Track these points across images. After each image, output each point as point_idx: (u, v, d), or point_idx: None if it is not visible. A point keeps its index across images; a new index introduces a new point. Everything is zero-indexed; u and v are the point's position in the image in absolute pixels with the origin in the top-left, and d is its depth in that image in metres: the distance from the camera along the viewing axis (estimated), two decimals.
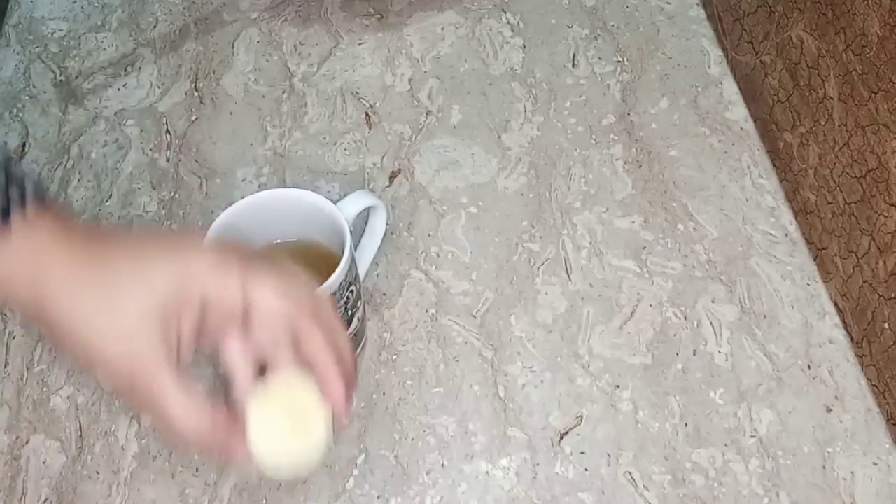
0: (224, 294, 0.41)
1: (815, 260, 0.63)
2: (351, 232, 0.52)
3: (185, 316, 0.40)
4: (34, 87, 0.75)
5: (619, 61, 0.74)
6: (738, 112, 0.71)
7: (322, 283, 0.49)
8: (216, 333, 0.42)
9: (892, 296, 0.56)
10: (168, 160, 0.70)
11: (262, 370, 0.42)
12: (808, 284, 0.62)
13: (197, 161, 0.69)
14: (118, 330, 0.39)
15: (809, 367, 0.58)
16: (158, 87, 0.74)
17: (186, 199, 0.67)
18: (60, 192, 0.68)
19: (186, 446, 0.39)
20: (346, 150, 0.70)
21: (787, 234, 0.64)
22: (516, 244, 0.64)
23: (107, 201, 0.67)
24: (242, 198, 0.53)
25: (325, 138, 0.70)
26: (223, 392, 0.41)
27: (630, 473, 0.55)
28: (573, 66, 0.74)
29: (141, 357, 0.39)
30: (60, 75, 0.75)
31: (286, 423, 0.41)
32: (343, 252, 0.51)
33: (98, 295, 0.40)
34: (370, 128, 0.71)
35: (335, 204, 0.53)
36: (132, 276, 0.40)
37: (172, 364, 0.40)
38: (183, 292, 0.40)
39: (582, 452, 0.56)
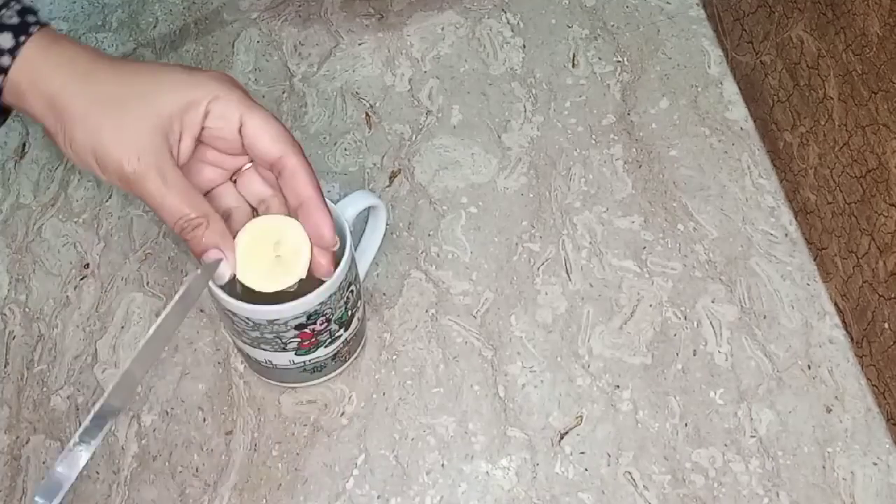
0: (226, 113, 0.45)
1: (815, 260, 0.63)
2: (351, 232, 0.52)
3: (187, 124, 0.45)
4: None
5: (619, 61, 0.74)
6: (738, 112, 0.71)
7: (322, 284, 0.49)
8: (214, 165, 0.48)
9: (892, 296, 0.56)
10: None
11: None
12: (808, 284, 0.62)
13: None
14: (126, 138, 0.43)
15: (809, 367, 0.58)
16: None
17: None
18: (60, 192, 0.68)
19: (174, 229, 0.45)
20: (346, 150, 0.70)
21: (787, 234, 0.64)
22: (516, 244, 0.64)
23: (107, 201, 0.67)
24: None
25: (325, 138, 0.70)
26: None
27: (630, 473, 0.55)
28: (573, 66, 0.74)
29: (142, 158, 0.43)
30: None
31: (270, 252, 0.46)
32: (343, 252, 0.51)
33: (110, 106, 0.43)
34: (370, 128, 0.71)
35: (335, 204, 0.53)
36: (144, 89, 0.44)
37: (169, 163, 0.44)
38: (189, 103, 0.44)
39: (582, 452, 0.56)
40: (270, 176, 0.48)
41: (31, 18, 0.44)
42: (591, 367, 0.59)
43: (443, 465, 0.55)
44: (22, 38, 0.44)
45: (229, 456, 0.56)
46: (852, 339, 0.60)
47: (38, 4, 0.80)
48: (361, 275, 0.60)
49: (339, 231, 0.53)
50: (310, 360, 0.54)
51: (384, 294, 0.62)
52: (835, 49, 0.60)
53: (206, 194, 0.48)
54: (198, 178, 0.47)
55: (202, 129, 0.45)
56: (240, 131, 0.46)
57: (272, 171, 0.47)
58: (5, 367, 0.60)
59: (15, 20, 0.44)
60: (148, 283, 0.63)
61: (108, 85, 0.44)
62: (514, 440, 0.56)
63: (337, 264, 0.50)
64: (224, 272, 0.46)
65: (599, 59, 0.75)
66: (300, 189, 0.46)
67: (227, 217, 0.48)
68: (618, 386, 0.58)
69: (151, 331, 0.42)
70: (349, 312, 0.54)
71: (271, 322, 0.50)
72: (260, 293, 0.55)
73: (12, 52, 0.44)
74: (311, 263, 0.47)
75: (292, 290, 0.47)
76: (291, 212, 0.47)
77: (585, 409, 0.57)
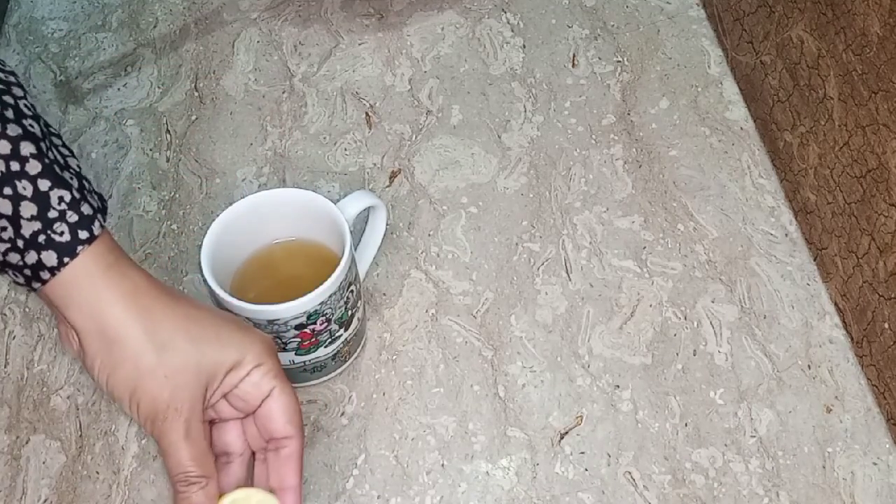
0: (261, 382, 0.46)
1: (815, 260, 0.63)
2: (351, 232, 0.52)
3: (227, 383, 0.45)
4: (34, 87, 0.75)
5: (619, 61, 0.74)
6: (738, 112, 0.71)
7: (322, 283, 0.49)
8: (222, 410, 0.48)
9: (892, 296, 0.56)
10: (168, 160, 0.70)
11: None
12: (808, 284, 0.62)
13: (197, 161, 0.69)
14: (171, 386, 0.43)
15: (809, 367, 0.58)
16: (158, 87, 0.74)
17: (186, 199, 0.67)
18: None
19: (171, 477, 0.45)
20: (346, 150, 0.70)
21: (787, 234, 0.64)
22: (516, 244, 0.64)
23: (107, 201, 0.67)
24: (242, 198, 0.53)
25: (325, 138, 0.70)
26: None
27: (630, 473, 0.55)
28: (573, 66, 0.74)
29: (175, 399, 0.43)
30: (60, 75, 0.75)
31: None
32: (343, 252, 0.51)
33: (165, 351, 0.44)
34: (370, 128, 0.71)
35: (335, 204, 0.53)
36: (201, 336, 0.45)
37: (198, 416, 0.44)
38: (236, 363, 0.45)
39: (582, 452, 0.56)
40: (253, 432, 0.49)
41: (82, 234, 0.43)
42: (591, 367, 0.59)
43: (443, 465, 0.55)
44: (78, 249, 0.43)
45: None
46: (852, 339, 0.60)
47: (38, 4, 0.81)
48: (361, 275, 0.60)
49: (339, 231, 0.53)
50: (310, 360, 0.54)
51: (384, 294, 0.62)
52: (835, 49, 0.60)
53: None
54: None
55: (233, 388, 0.46)
56: (262, 400, 0.47)
57: (268, 443, 0.48)
58: (5, 367, 0.60)
59: (66, 235, 0.43)
60: None
61: (165, 325, 0.44)
62: (514, 440, 0.56)
63: (337, 264, 0.50)
64: None
65: (599, 59, 0.75)
66: (288, 476, 0.47)
67: (224, 462, 0.49)
68: (618, 386, 0.58)
69: None
70: (349, 312, 0.54)
71: (271, 322, 0.50)
72: (259, 293, 0.55)
73: (58, 266, 0.43)
74: None
75: None
76: (270, 488, 0.48)
77: (585, 409, 0.57)
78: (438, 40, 0.76)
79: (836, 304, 0.61)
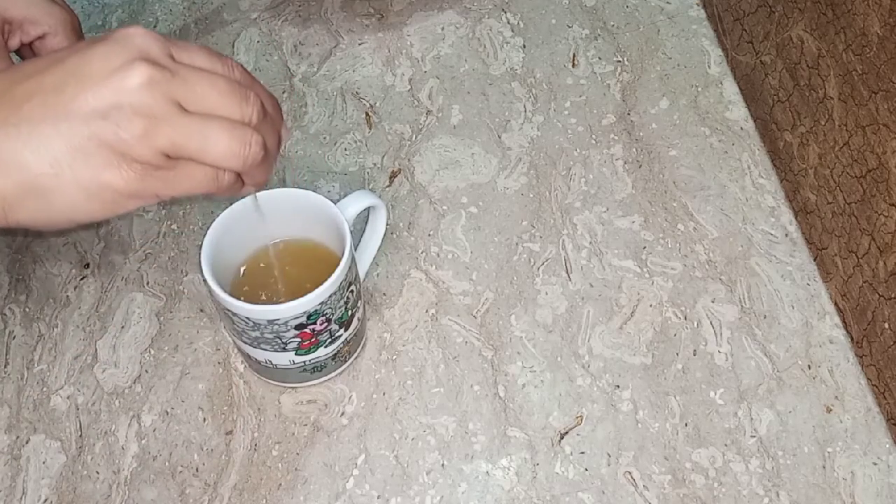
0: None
1: (815, 260, 0.63)
2: (351, 232, 0.52)
3: (24, 32, 0.52)
4: None
5: (619, 61, 0.74)
6: (738, 112, 0.71)
7: (322, 283, 0.49)
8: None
9: (892, 296, 0.56)
10: None
11: None
12: (808, 284, 0.62)
13: None
14: None
15: (809, 367, 0.58)
16: None
17: (186, 198, 0.67)
18: None
19: None
20: (346, 150, 0.70)
21: (787, 234, 0.64)
22: (516, 244, 0.64)
23: None
24: (243, 198, 0.53)
25: (325, 138, 0.70)
26: None
27: (630, 473, 0.55)
28: (573, 66, 0.74)
29: None
30: None
31: None
32: (343, 252, 0.51)
33: None
34: (370, 128, 0.71)
35: (335, 204, 0.53)
36: None
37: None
38: (32, 20, 0.51)
39: (582, 452, 0.56)
40: None
41: None
42: (591, 367, 0.59)
43: (443, 465, 0.55)
44: None
45: (229, 456, 0.56)
46: (852, 339, 0.60)
47: None
48: (361, 275, 0.60)
49: (339, 231, 0.53)
50: (310, 360, 0.54)
51: (384, 294, 0.62)
52: (835, 49, 0.60)
53: None
54: None
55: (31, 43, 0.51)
56: None
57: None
58: (5, 367, 0.60)
59: None
60: (148, 283, 0.63)
61: None
62: (514, 440, 0.56)
63: (337, 264, 0.50)
64: None
65: (599, 59, 0.75)
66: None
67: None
68: (618, 386, 0.58)
69: None
70: (349, 312, 0.54)
71: (271, 322, 0.50)
72: (259, 293, 0.56)
73: None
74: None
75: None
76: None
77: (585, 409, 0.57)
78: (438, 40, 0.76)
79: (836, 304, 0.61)
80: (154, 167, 0.38)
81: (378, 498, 0.54)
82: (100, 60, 0.37)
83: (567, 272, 0.63)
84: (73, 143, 0.37)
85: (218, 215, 0.52)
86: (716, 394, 0.58)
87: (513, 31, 0.77)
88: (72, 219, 0.39)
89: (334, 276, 0.50)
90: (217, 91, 0.39)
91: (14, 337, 0.61)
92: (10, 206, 0.38)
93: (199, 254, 0.51)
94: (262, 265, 0.55)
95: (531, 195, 0.67)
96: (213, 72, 0.41)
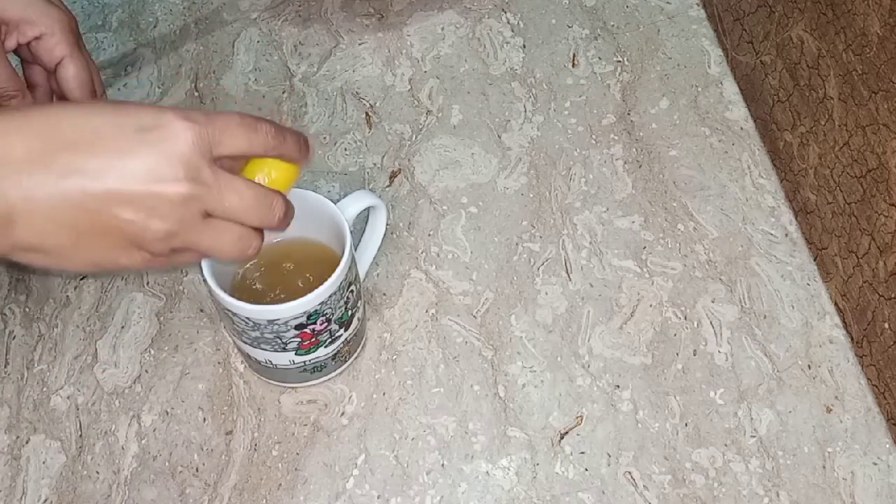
0: (51, 50, 0.55)
1: (815, 260, 0.63)
2: (351, 232, 0.52)
3: (21, 33, 0.55)
4: None
5: (619, 61, 0.74)
6: (738, 112, 0.71)
7: (322, 283, 0.49)
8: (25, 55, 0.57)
9: (892, 296, 0.56)
10: None
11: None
12: (808, 284, 0.62)
13: None
14: None
15: (809, 367, 0.58)
16: (158, 87, 0.74)
17: None
18: None
19: None
20: (346, 150, 0.70)
21: (787, 234, 0.64)
22: (516, 244, 0.64)
23: None
24: None
25: (325, 138, 0.70)
26: None
27: (630, 473, 0.55)
28: (573, 66, 0.74)
29: None
30: None
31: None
32: (343, 252, 0.51)
33: None
34: (370, 128, 0.71)
35: (335, 204, 0.53)
36: None
37: None
38: (28, 21, 0.54)
39: (582, 452, 0.56)
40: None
41: None
42: (591, 367, 0.59)
43: (443, 465, 0.55)
44: None
45: (229, 456, 0.56)
46: (852, 339, 0.60)
47: None
48: (361, 275, 0.60)
49: (339, 231, 0.53)
50: (310, 360, 0.54)
51: (384, 294, 0.62)
52: (835, 49, 0.60)
53: None
54: None
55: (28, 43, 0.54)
56: (55, 65, 0.55)
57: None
58: (5, 367, 0.60)
59: None
60: (148, 283, 0.63)
61: None
62: (514, 440, 0.56)
63: (337, 264, 0.50)
64: None
65: (599, 59, 0.75)
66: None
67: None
68: (618, 386, 0.58)
69: None
70: (349, 312, 0.54)
71: (271, 322, 0.50)
72: (259, 293, 0.55)
73: None
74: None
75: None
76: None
77: (585, 409, 0.57)
78: (438, 40, 0.76)
79: (836, 304, 0.61)
80: (164, 256, 0.41)
81: (378, 498, 0.54)
82: (144, 166, 0.38)
83: (567, 272, 0.63)
84: (98, 224, 0.38)
85: None
86: (716, 394, 0.58)
87: (513, 31, 0.77)
88: (65, 270, 0.44)
89: (334, 276, 0.50)
90: (245, 205, 0.41)
91: (14, 337, 0.61)
92: (18, 256, 0.40)
93: None
94: (261, 265, 0.55)
95: (531, 195, 0.67)
96: (249, 152, 0.43)
